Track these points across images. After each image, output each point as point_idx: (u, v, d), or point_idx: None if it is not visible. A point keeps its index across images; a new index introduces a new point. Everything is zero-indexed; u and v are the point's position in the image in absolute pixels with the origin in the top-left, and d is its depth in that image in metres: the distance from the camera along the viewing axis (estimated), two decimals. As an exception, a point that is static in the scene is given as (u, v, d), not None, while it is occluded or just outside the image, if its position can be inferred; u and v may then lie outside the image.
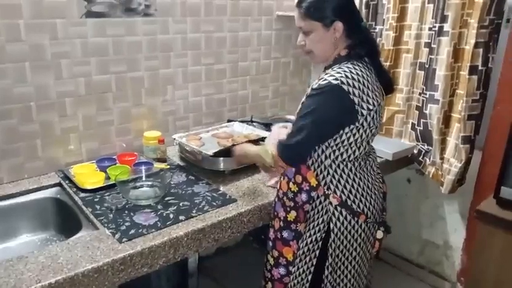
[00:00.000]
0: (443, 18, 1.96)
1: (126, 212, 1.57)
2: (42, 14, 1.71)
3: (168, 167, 1.95)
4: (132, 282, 1.40)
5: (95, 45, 1.87)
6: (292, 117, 2.55)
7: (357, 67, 1.39)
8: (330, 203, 1.45)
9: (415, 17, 2.11)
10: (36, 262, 1.28)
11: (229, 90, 2.44)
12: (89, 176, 1.77)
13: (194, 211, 1.59)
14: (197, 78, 2.27)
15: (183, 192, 1.74)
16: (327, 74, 1.39)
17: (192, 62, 2.23)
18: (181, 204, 1.64)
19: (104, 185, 1.75)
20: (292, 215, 1.53)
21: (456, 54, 1.99)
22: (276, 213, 1.61)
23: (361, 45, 1.43)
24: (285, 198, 1.55)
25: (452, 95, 2.06)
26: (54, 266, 1.27)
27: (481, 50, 1.91)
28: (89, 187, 1.72)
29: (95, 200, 1.66)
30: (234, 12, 2.31)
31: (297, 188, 1.51)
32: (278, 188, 1.61)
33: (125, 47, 1.96)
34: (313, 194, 1.47)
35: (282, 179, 1.58)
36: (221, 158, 1.85)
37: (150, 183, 1.77)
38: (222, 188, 1.79)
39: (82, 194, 1.70)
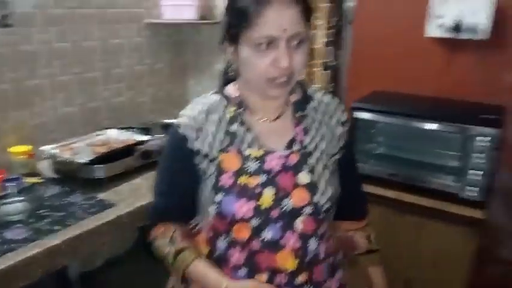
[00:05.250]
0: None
1: (-4, 229, 1.51)
2: None
3: (41, 180, 1.88)
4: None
5: None
6: (172, 121, 2.61)
7: None
8: None
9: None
10: None
11: (104, 98, 2.42)
12: (-51, 198, 1.66)
13: (70, 220, 1.58)
14: (68, 87, 2.22)
15: (58, 203, 1.71)
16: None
17: (61, 72, 2.17)
18: (56, 215, 1.62)
19: (-31, 205, 1.65)
20: None
21: (311, 53, 2.23)
22: None
23: None
24: None
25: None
26: None
27: (330, 48, 2.17)
28: (-50, 209, 1.61)
29: (-41, 221, 1.56)
30: (102, 21, 2.31)
31: None
32: None
33: (-18, 60, 1.87)
34: None
35: None
36: (95, 166, 1.84)
37: (21, 198, 1.70)
38: (99, 195, 1.78)
39: None
